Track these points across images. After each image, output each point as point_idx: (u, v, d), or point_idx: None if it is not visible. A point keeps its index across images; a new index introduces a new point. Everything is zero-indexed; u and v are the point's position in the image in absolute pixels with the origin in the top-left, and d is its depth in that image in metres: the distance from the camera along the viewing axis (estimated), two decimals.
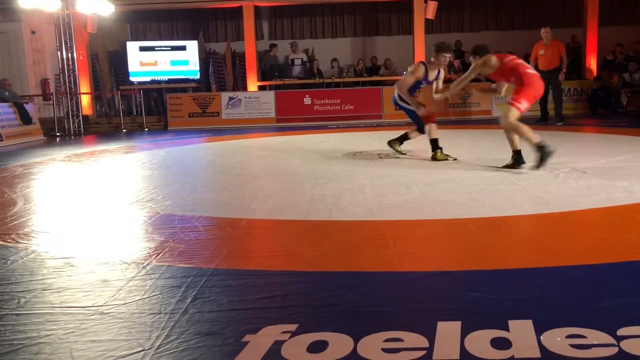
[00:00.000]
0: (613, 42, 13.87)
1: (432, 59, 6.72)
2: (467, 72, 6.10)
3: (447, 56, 6.70)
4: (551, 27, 15.06)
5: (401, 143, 7.10)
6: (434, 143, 6.68)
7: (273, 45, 14.78)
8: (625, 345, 2.04)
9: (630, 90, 12.90)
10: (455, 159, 6.58)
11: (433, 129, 6.65)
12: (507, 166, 5.93)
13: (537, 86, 5.81)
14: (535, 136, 5.70)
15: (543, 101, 11.27)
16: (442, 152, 6.65)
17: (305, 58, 14.68)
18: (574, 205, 4.24)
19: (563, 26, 14.99)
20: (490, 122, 12.16)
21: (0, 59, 13.77)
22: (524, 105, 5.69)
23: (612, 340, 2.07)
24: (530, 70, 5.90)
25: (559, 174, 5.48)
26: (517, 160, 5.88)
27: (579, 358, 1.98)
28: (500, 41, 14.88)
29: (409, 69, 6.82)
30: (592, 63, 13.82)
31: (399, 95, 6.86)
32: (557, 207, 4.20)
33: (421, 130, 6.86)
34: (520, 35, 15.14)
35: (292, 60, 14.54)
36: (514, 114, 5.69)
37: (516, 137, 5.83)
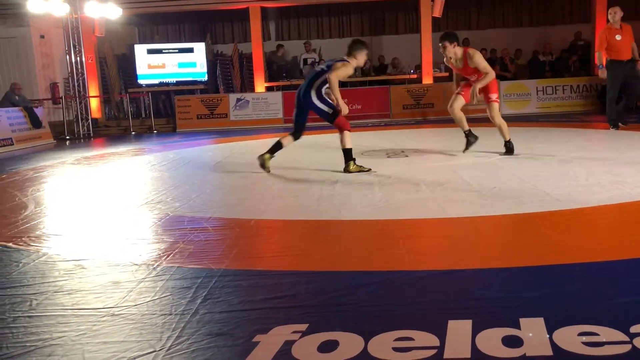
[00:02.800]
0: None
1: (348, 59, 6.02)
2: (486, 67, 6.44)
3: (365, 53, 6.17)
4: (559, 24, 15.01)
5: (272, 154, 6.21)
6: (348, 153, 6.01)
7: (280, 46, 14.80)
8: (639, 343, 2.02)
9: None
10: (369, 170, 5.98)
11: (347, 138, 5.96)
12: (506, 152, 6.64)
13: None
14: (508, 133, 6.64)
15: (614, 99, 8.87)
16: (355, 163, 6.02)
17: (316, 58, 14.67)
18: (584, 202, 4.21)
19: (571, 22, 14.91)
20: None
21: (10, 64, 13.88)
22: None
23: (625, 338, 2.06)
24: None
25: (568, 170, 5.45)
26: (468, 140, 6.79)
27: (592, 356, 1.96)
28: (507, 39, 14.83)
29: (339, 65, 5.94)
30: None
31: (318, 94, 5.98)
32: (568, 204, 4.18)
33: (296, 137, 6.21)
34: (528, 32, 15.08)
35: (305, 59, 14.52)
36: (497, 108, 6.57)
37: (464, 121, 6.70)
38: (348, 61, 6.00)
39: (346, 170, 6.01)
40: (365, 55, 6.18)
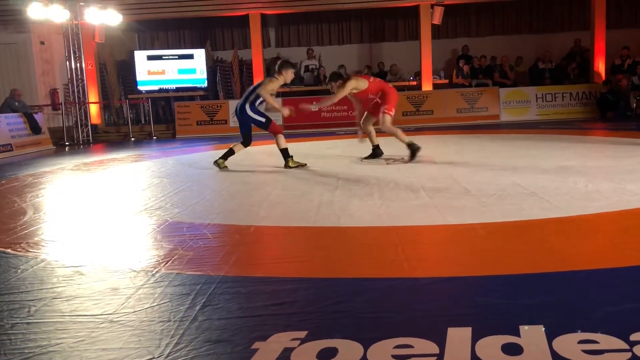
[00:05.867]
0: (620, 45, 13.81)
1: (276, 76, 7.02)
2: (335, 96, 7.12)
3: (292, 71, 7.12)
4: (558, 31, 15.04)
5: (226, 159, 7.29)
6: (285, 152, 7.09)
7: (277, 59, 14.86)
8: (639, 351, 2.01)
9: (639, 94, 12.83)
10: (305, 164, 7.06)
11: (281, 140, 7.05)
12: (367, 157, 7.42)
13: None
14: (406, 137, 7.08)
15: None
16: (293, 160, 7.08)
17: (317, 64, 14.69)
18: (583, 209, 4.21)
19: (570, 30, 14.95)
20: (499, 127, 12.13)
21: (10, 70, 13.90)
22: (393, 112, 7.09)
23: (625, 346, 2.05)
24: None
25: (568, 177, 5.45)
26: (375, 153, 7.43)
27: None
28: (507, 46, 14.87)
29: (267, 81, 7.05)
30: (600, 66, 13.76)
31: (252, 106, 7.00)
32: (567, 211, 4.17)
33: (246, 144, 7.28)
34: (527, 39, 15.13)
35: (307, 66, 14.55)
36: (388, 119, 7.00)
37: (373, 134, 7.44)
38: (276, 78, 7.00)
39: (286, 166, 7.04)
40: (292, 73, 7.12)
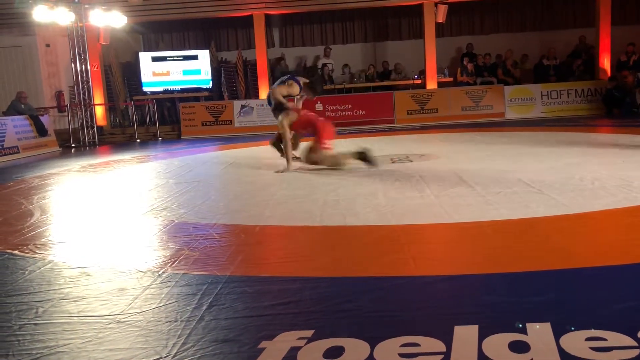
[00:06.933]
0: (625, 41, 13.74)
1: (300, 82, 7.27)
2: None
3: (314, 93, 7.48)
4: (562, 28, 14.98)
5: (295, 148, 7.33)
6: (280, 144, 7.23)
7: (281, 59, 14.88)
8: None
9: None
10: (300, 158, 7.15)
11: (296, 140, 7.29)
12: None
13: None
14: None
15: None
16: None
17: (333, 64, 14.68)
18: (589, 207, 4.20)
19: (575, 27, 14.88)
20: (504, 125, 12.10)
21: (16, 72, 13.97)
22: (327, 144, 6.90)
23: (633, 343, 2.04)
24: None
25: (574, 175, 5.43)
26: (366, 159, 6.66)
27: None
28: (511, 43, 14.82)
29: (287, 84, 7.21)
30: (605, 63, 13.70)
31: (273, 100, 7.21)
32: (573, 208, 4.16)
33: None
34: (532, 36, 15.07)
35: (324, 64, 14.55)
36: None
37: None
38: (301, 85, 7.21)
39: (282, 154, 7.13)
40: (311, 94, 7.45)
